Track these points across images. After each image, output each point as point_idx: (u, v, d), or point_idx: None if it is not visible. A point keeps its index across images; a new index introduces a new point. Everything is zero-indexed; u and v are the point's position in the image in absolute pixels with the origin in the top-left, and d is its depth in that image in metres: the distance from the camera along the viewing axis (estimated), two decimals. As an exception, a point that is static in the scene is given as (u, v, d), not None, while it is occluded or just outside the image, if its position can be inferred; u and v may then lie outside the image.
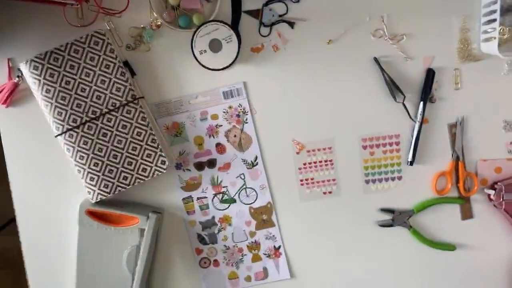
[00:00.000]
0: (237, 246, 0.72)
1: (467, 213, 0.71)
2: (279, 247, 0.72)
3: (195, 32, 0.63)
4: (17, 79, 0.65)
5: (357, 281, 0.73)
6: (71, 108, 0.64)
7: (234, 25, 0.65)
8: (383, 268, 0.73)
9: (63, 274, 0.72)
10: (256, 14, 0.66)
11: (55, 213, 0.71)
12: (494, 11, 0.62)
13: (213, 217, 0.71)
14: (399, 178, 0.70)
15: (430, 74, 0.67)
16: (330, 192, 0.71)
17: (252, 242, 0.72)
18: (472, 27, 0.67)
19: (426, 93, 0.67)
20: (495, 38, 0.62)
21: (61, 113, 0.64)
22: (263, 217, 0.71)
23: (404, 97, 0.67)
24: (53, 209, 0.71)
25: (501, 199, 0.68)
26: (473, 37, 0.67)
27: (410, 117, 0.68)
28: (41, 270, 0.72)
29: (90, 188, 0.66)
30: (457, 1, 0.66)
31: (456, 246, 0.71)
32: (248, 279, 0.73)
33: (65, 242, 0.71)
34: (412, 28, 0.67)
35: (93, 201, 0.67)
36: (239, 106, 0.68)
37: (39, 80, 0.63)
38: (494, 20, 0.62)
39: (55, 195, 0.70)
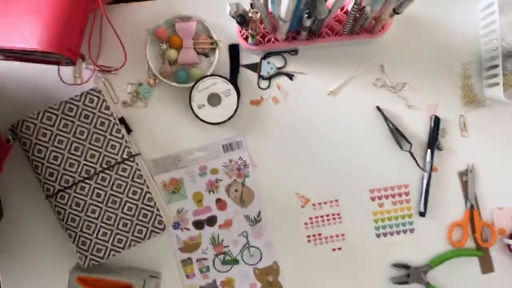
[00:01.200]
0: (241, 312, 0.66)
1: (487, 266, 0.67)
2: (287, 311, 0.66)
3: (193, 86, 0.62)
4: (11, 141, 0.62)
5: None
6: (64, 168, 0.61)
7: (233, 79, 0.64)
8: (401, 331, 0.66)
9: None
10: (254, 67, 0.65)
11: (43, 280, 0.65)
12: (495, 57, 0.62)
13: (215, 281, 0.66)
14: (411, 230, 0.66)
15: (435, 121, 0.65)
16: (339, 249, 0.66)
17: (258, 306, 0.66)
18: (473, 73, 0.66)
19: (433, 140, 0.65)
20: (499, 83, 0.61)
21: (53, 173, 0.61)
22: (269, 278, 0.66)
23: (411, 145, 0.65)
24: (42, 275, 0.65)
25: (522, 250, 0.63)
26: (475, 83, 0.66)
27: (418, 165, 0.65)
28: None
29: (82, 253, 0.61)
30: (456, 48, 0.66)
31: (479, 303, 0.66)
32: None
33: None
34: (414, 76, 0.66)
35: (85, 268, 0.62)
36: (239, 159, 0.66)
37: (31, 141, 0.60)
38: (496, 66, 0.62)
39: (43, 261, 0.65)
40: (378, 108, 0.65)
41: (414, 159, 0.65)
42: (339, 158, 0.66)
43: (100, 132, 0.61)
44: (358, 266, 0.66)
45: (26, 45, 0.53)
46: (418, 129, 0.66)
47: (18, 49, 0.54)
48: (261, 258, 0.66)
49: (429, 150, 0.65)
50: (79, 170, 0.61)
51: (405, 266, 0.66)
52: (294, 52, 0.65)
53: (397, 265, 0.66)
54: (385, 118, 0.65)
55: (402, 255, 0.66)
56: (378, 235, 0.66)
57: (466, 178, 0.66)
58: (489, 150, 0.66)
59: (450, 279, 0.66)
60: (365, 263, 0.67)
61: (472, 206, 0.66)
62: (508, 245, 0.65)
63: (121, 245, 0.62)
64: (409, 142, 0.65)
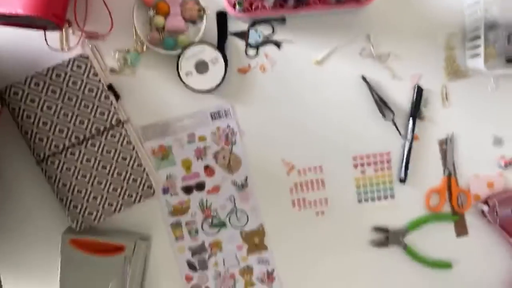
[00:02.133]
0: (228, 272, 0.69)
1: (461, 230, 0.70)
2: (273, 271, 0.70)
3: (180, 54, 0.62)
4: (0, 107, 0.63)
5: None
6: (53, 134, 0.62)
7: (220, 47, 0.65)
8: (379, 289, 0.71)
9: (45, 308, 0.68)
10: (242, 35, 0.66)
11: (35, 243, 0.68)
12: (478, 28, 0.63)
13: (203, 242, 0.69)
14: (392, 196, 0.69)
15: (418, 91, 0.67)
16: (322, 213, 0.69)
17: (244, 267, 0.69)
18: (457, 44, 0.67)
19: (415, 110, 0.67)
20: (479, 54, 0.62)
21: (43, 139, 0.62)
22: (255, 240, 0.69)
23: (394, 114, 0.66)
24: (34, 239, 0.67)
25: (495, 215, 0.67)
26: (459, 55, 0.67)
27: (400, 134, 0.67)
28: (22, 304, 0.68)
29: (74, 216, 0.63)
30: (441, 20, 0.67)
31: (452, 263, 0.70)
32: (240, 306, 0.70)
33: (47, 273, 0.67)
34: (399, 47, 0.67)
35: (77, 230, 0.64)
36: (227, 127, 0.67)
37: (19, 107, 0.61)
38: (479, 37, 0.63)
39: (36, 225, 0.67)
40: (363, 78, 0.66)
41: (397, 128, 0.67)
42: (324, 126, 0.68)
43: (88, 98, 0.62)
44: (340, 230, 0.70)
45: (11, 9, 0.53)
46: (401, 99, 0.68)
47: (3, 13, 0.54)
48: (247, 222, 0.69)
49: (411, 119, 0.67)
50: (68, 135, 0.62)
51: (385, 230, 0.69)
52: (282, 20, 0.65)
53: (377, 229, 0.69)
54: (370, 87, 0.66)
55: (382, 220, 0.70)
56: (359, 201, 0.69)
57: (445, 146, 0.69)
58: (468, 120, 0.68)
59: (427, 242, 0.70)
60: (347, 228, 0.70)
61: (450, 173, 0.69)
62: (482, 210, 0.69)
63: (112, 209, 0.64)
64: (392, 112, 0.66)
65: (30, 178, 0.66)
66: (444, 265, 0.70)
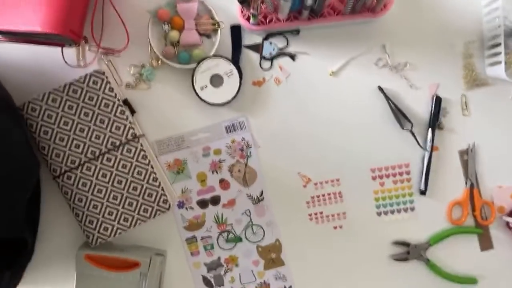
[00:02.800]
0: (245, 288, 0.68)
1: (486, 244, 0.68)
2: (290, 287, 0.68)
3: (195, 68, 0.62)
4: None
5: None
6: (70, 149, 0.62)
7: (235, 60, 0.65)
8: (401, 306, 0.68)
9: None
10: (256, 48, 0.66)
11: (52, 258, 0.67)
12: (497, 35, 0.62)
13: (219, 258, 0.68)
14: (412, 208, 0.67)
15: (437, 101, 0.65)
16: (340, 227, 0.67)
17: (261, 283, 0.68)
18: (475, 52, 0.66)
19: (434, 120, 0.65)
20: (501, 62, 0.61)
21: (59, 154, 0.62)
22: (272, 255, 0.68)
23: (412, 124, 0.65)
24: (50, 254, 0.67)
25: (521, 227, 0.64)
26: (477, 63, 0.66)
27: (419, 145, 0.66)
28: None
29: (89, 232, 0.63)
30: (458, 28, 0.66)
31: (477, 278, 0.67)
32: (258, 323, 0.68)
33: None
34: (415, 56, 0.66)
35: (92, 246, 0.64)
36: (242, 140, 0.66)
37: (37, 123, 0.61)
38: (498, 44, 0.61)
39: (52, 240, 0.67)
40: (380, 88, 0.65)
41: (415, 138, 0.65)
42: (341, 138, 0.66)
43: (104, 113, 0.62)
44: (359, 244, 0.68)
45: (29, 27, 0.54)
46: (420, 109, 0.66)
47: (21, 31, 0.55)
48: (263, 236, 0.67)
49: (430, 130, 0.66)
50: (84, 151, 0.62)
51: (405, 244, 0.67)
52: (296, 32, 0.65)
53: (398, 243, 0.67)
54: (387, 98, 0.65)
55: (402, 233, 0.68)
56: (379, 214, 0.67)
57: (466, 157, 0.67)
58: (490, 129, 0.67)
59: (450, 256, 0.68)
60: (366, 241, 0.68)
61: (472, 185, 0.66)
62: (507, 223, 0.66)
63: (127, 224, 0.64)
64: (410, 122, 0.65)
65: (46, 193, 0.66)
66: (469, 280, 0.67)
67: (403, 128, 0.65)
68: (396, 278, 0.68)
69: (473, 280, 0.67)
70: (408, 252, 0.67)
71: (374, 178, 0.67)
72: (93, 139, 0.62)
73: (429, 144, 0.66)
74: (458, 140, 0.67)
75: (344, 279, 0.68)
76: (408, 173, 0.67)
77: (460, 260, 0.68)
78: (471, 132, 0.67)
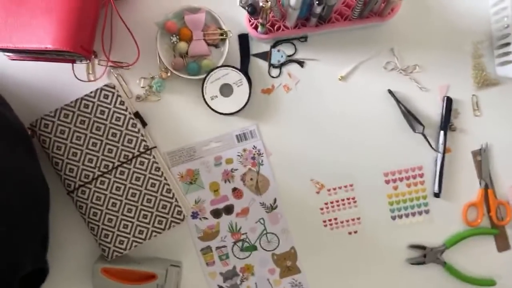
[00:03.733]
0: (261, 297, 0.68)
1: (503, 244, 0.67)
2: (306, 294, 0.68)
3: (205, 78, 0.62)
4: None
5: (392, 326, 0.68)
6: (83, 164, 0.62)
7: (244, 69, 0.65)
8: (419, 310, 0.68)
9: None
10: (265, 56, 0.66)
11: (68, 272, 0.67)
12: (506, 35, 0.62)
13: (234, 267, 0.68)
14: (427, 211, 0.67)
15: (447, 102, 0.65)
16: (355, 232, 0.67)
17: (277, 291, 0.68)
18: (484, 52, 0.66)
19: (446, 121, 0.65)
20: (511, 61, 0.60)
21: (73, 169, 0.62)
22: (287, 263, 0.67)
23: (423, 127, 0.65)
24: (66, 268, 0.67)
25: (538, 227, 0.64)
26: (487, 62, 0.66)
27: (432, 147, 0.65)
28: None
29: (105, 246, 0.63)
30: (466, 28, 0.66)
31: (496, 280, 0.67)
32: (275, 332, 0.68)
33: (80, 303, 0.67)
34: (424, 58, 0.66)
35: (109, 259, 0.64)
36: (253, 148, 0.66)
37: (50, 138, 0.62)
38: (508, 44, 0.61)
39: (68, 254, 0.67)
40: (390, 92, 0.65)
41: (427, 141, 0.65)
42: (353, 143, 0.66)
43: (116, 127, 0.62)
44: (374, 248, 0.67)
45: (40, 44, 0.54)
46: (431, 111, 0.66)
47: (33, 48, 0.55)
48: (278, 244, 0.67)
49: (442, 132, 0.65)
50: (98, 165, 0.62)
51: (422, 247, 0.67)
52: (304, 39, 0.65)
53: (414, 246, 0.67)
54: (397, 101, 0.65)
55: (418, 236, 0.67)
56: (393, 218, 0.67)
57: (480, 157, 0.66)
58: (502, 129, 0.66)
59: (467, 258, 0.67)
60: (382, 246, 0.67)
61: (486, 185, 0.66)
62: (524, 223, 0.66)
63: (143, 236, 0.64)
64: (421, 124, 0.65)
65: (61, 207, 0.66)
66: (487, 282, 0.67)
67: (414, 131, 0.65)
68: (413, 282, 0.67)
69: (491, 282, 0.66)
70: (425, 255, 0.67)
71: (387, 182, 0.67)
72: (106, 153, 0.62)
73: (441, 146, 0.65)
74: (470, 141, 0.66)
75: (361, 285, 0.68)
76: (421, 176, 0.66)
77: (477, 261, 0.67)
78: (483, 133, 0.66)
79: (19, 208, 0.52)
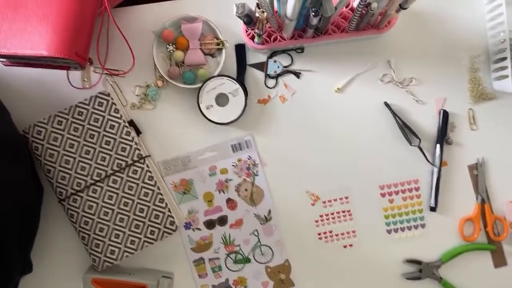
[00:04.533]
0: (254, 310, 0.66)
1: (499, 260, 0.66)
2: (300, 308, 0.66)
3: (201, 87, 0.62)
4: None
5: None
6: (75, 172, 0.61)
7: (240, 79, 0.64)
8: (415, 326, 0.66)
9: None
10: (261, 66, 0.66)
11: (58, 283, 0.66)
12: (503, 50, 0.62)
13: (227, 280, 0.66)
14: (423, 225, 0.66)
15: (444, 116, 0.65)
16: (351, 245, 0.66)
17: (270, 304, 0.67)
18: (481, 66, 0.66)
19: (442, 135, 0.65)
20: (508, 76, 0.60)
21: (65, 177, 0.61)
22: (281, 276, 0.66)
23: (420, 140, 0.64)
24: (56, 278, 0.66)
25: (535, 243, 0.63)
26: (483, 76, 0.66)
27: (428, 161, 0.65)
28: None
29: (96, 256, 0.62)
30: (463, 42, 0.66)
31: (492, 296, 0.66)
32: None
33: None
34: (421, 71, 0.66)
35: (99, 270, 0.62)
36: (248, 159, 0.66)
37: (42, 145, 0.61)
38: (504, 58, 0.61)
39: (57, 264, 0.66)
40: (386, 104, 0.65)
41: (424, 154, 0.65)
42: (348, 155, 0.66)
43: (110, 135, 0.62)
44: (370, 262, 0.66)
45: (35, 51, 0.54)
46: (427, 124, 0.66)
47: (27, 55, 0.55)
48: (272, 257, 0.66)
49: (438, 145, 0.65)
50: (90, 173, 0.61)
51: (417, 262, 0.66)
52: (301, 50, 0.65)
53: (409, 261, 0.66)
54: (393, 113, 0.65)
55: (414, 251, 0.66)
56: (389, 231, 0.66)
57: (476, 171, 0.66)
58: (499, 143, 0.66)
59: (463, 274, 0.66)
60: (377, 259, 0.66)
61: (483, 200, 0.65)
62: (521, 238, 0.65)
63: (134, 247, 0.62)
64: (418, 137, 0.64)
65: (52, 216, 0.65)
66: (484, 298, 0.66)
67: (411, 144, 0.65)
68: (409, 297, 0.66)
69: (488, 298, 0.66)
70: (420, 270, 0.66)
71: (383, 195, 0.66)
72: (99, 161, 0.62)
73: (437, 159, 0.65)
74: (467, 154, 0.66)
75: (356, 299, 0.66)
76: (417, 189, 0.66)
77: (473, 277, 0.66)
78: (479, 146, 0.66)
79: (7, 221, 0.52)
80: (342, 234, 0.66)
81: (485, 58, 0.66)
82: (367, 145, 0.66)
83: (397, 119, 0.65)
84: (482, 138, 0.66)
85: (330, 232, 0.66)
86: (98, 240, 0.62)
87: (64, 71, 0.63)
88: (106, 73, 0.64)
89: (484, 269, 0.66)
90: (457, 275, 0.66)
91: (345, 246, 0.66)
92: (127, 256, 0.62)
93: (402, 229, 0.66)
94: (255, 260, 0.66)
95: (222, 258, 0.66)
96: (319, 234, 0.66)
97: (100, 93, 0.62)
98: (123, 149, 0.62)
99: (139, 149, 0.62)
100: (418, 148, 0.65)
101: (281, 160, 0.66)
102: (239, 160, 0.66)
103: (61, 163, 0.61)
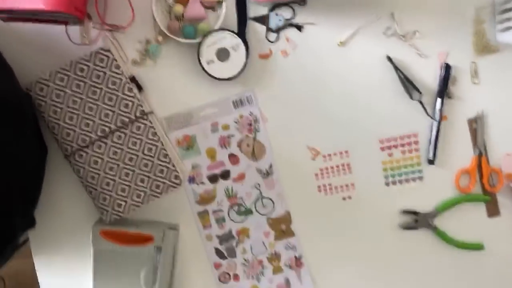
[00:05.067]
0: (256, 259, 0.70)
1: (493, 210, 0.69)
2: (300, 257, 0.70)
3: (201, 42, 0.62)
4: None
5: (381, 287, 0.70)
6: (80, 128, 0.62)
7: (241, 33, 0.64)
8: (408, 273, 0.70)
9: (80, 298, 0.70)
10: (262, 20, 0.64)
11: (68, 235, 0.69)
12: (509, 0, 0.60)
13: (230, 230, 0.69)
14: (420, 178, 0.68)
15: (446, 69, 0.64)
16: (349, 198, 0.68)
17: (272, 253, 0.70)
18: (486, 18, 0.65)
19: (443, 89, 0.65)
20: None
21: (69, 133, 0.62)
22: (282, 227, 0.69)
23: (421, 94, 0.65)
24: (66, 231, 0.69)
25: (529, 194, 0.65)
26: (488, 29, 0.65)
27: (428, 115, 0.65)
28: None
29: (103, 209, 0.65)
30: (469, -7, 0.64)
31: (484, 244, 0.69)
32: (270, 292, 0.71)
33: (80, 263, 0.69)
34: (424, 24, 0.64)
35: (107, 222, 0.65)
36: (250, 115, 0.66)
37: (45, 102, 0.61)
38: (510, 9, 0.60)
39: (67, 217, 0.69)
40: (389, 58, 0.65)
41: (424, 108, 0.65)
42: (349, 109, 0.66)
43: (112, 91, 0.62)
44: (367, 214, 0.69)
45: (33, 5, 0.53)
46: (429, 78, 0.65)
47: (25, 9, 0.54)
48: (274, 208, 0.69)
49: (439, 99, 0.65)
50: (94, 129, 0.62)
51: (414, 213, 0.68)
52: (303, 2, 0.64)
53: (406, 212, 0.68)
54: (395, 67, 0.64)
55: (411, 202, 0.68)
56: (387, 184, 0.68)
57: (475, 125, 0.66)
58: (500, 97, 0.66)
59: (457, 224, 0.69)
60: (375, 211, 0.69)
61: (480, 153, 0.67)
62: (515, 190, 0.67)
63: (140, 200, 0.65)
64: (419, 91, 0.64)
65: (59, 171, 0.67)
66: (476, 246, 0.68)
67: (412, 98, 0.65)
68: (405, 246, 0.69)
69: (479, 246, 0.68)
70: (416, 220, 0.68)
71: (382, 149, 0.67)
72: (102, 117, 0.62)
73: (437, 113, 0.65)
74: (467, 108, 0.66)
75: (353, 249, 0.70)
76: (416, 143, 0.67)
77: (467, 227, 0.69)
78: (480, 100, 0.66)
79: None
80: (341, 187, 0.68)
81: (491, 10, 0.64)
82: (368, 99, 0.66)
83: (399, 73, 0.64)
84: (483, 92, 0.66)
85: (330, 185, 0.68)
86: (105, 194, 0.64)
87: (63, 28, 0.62)
88: (106, 29, 0.63)
89: (478, 219, 0.69)
90: (452, 225, 0.69)
91: (344, 199, 0.68)
92: (133, 209, 0.65)
93: (400, 182, 0.68)
94: (257, 211, 0.69)
95: (225, 210, 0.69)
96: (318, 187, 0.68)
97: (100, 49, 0.62)
98: (126, 105, 0.63)
99: (141, 105, 0.63)
100: (419, 102, 0.65)
101: (283, 115, 0.67)
102: (241, 116, 0.67)
103: (65, 119, 0.62)
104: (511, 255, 0.69)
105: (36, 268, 0.71)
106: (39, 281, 0.71)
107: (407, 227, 0.68)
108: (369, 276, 0.70)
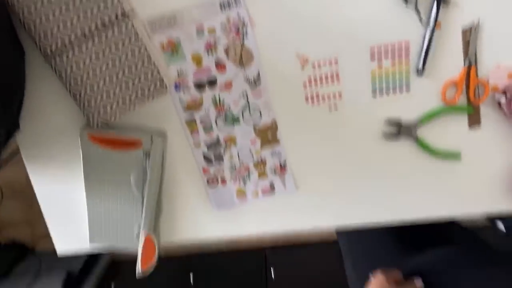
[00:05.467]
0: (243, 165, 0.72)
1: (474, 121, 0.70)
2: (285, 163, 0.72)
3: None
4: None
5: (361, 193, 0.75)
6: (57, 28, 0.59)
7: None
8: (387, 180, 0.73)
9: (74, 199, 0.74)
10: None
11: (58, 140, 0.70)
12: None
13: (218, 137, 0.71)
14: (407, 89, 0.68)
15: (446, -29, 0.61)
16: (335, 106, 0.69)
17: (258, 160, 0.72)
18: None
19: (440, -7, 0.61)
20: None
21: (47, 33, 0.59)
22: (268, 135, 0.70)
23: (416, 0, 0.61)
24: (56, 135, 0.70)
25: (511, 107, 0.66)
26: None
27: (421, 22, 0.63)
28: (52, 196, 0.74)
29: (89, 113, 0.64)
30: None
31: (462, 155, 0.71)
32: (255, 194, 0.75)
33: (73, 168, 0.71)
34: None
35: (93, 126, 0.66)
36: (237, 16, 0.63)
37: (18, 1, 0.57)
38: None
39: (56, 120, 0.69)
40: (386, -43, 0.60)
41: (419, 14, 0.62)
42: (341, 15, 0.63)
43: (89, -12, 0.58)
44: (352, 123, 0.70)
45: None
46: (427, -19, 0.62)
47: None
48: (260, 117, 0.69)
49: (435, 4, 0.62)
50: (73, 29, 0.59)
51: (397, 123, 0.69)
52: None
53: (390, 122, 0.70)
54: (393, -32, 0.60)
55: (396, 113, 0.69)
56: (374, 94, 0.68)
57: (469, 35, 0.65)
58: (498, 5, 0.63)
59: (439, 134, 0.70)
60: (360, 121, 0.70)
61: (470, 63, 0.66)
62: (499, 102, 0.68)
63: (126, 106, 0.64)
64: (415, -4, 0.61)
65: (42, 76, 0.65)
66: (453, 155, 0.71)
67: (406, 4, 0.62)
68: (386, 155, 0.72)
69: (457, 156, 0.71)
70: (399, 130, 0.70)
71: (372, 58, 0.66)
72: (80, 17, 0.59)
73: (432, 20, 0.63)
74: (463, 16, 0.64)
75: (337, 156, 0.72)
76: (407, 52, 0.65)
77: (448, 138, 0.71)
78: (477, 8, 0.63)
79: None
80: (329, 97, 0.68)
81: None
82: (360, 4, 0.63)
83: (396, -26, 0.60)
84: (481, 0, 0.63)
85: (317, 94, 0.68)
86: (90, 98, 0.63)
87: None
88: None
89: (459, 130, 0.70)
90: (434, 135, 0.70)
91: (330, 108, 0.69)
92: (119, 114, 0.65)
93: (387, 93, 0.68)
94: (244, 120, 0.70)
95: (212, 118, 0.69)
96: (306, 96, 0.68)
97: None
98: (105, 4, 0.59)
99: (121, 3, 0.59)
100: (415, 9, 0.62)
101: (271, 20, 0.64)
102: (228, 20, 0.63)
103: (42, 19, 0.59)
104: (487, 166, 0.72)
105: (29, 175, 0.73)
106: (34, 188, 0.74)
107: (390, 136, 0.70)
108: (349, 181, 0.74)
